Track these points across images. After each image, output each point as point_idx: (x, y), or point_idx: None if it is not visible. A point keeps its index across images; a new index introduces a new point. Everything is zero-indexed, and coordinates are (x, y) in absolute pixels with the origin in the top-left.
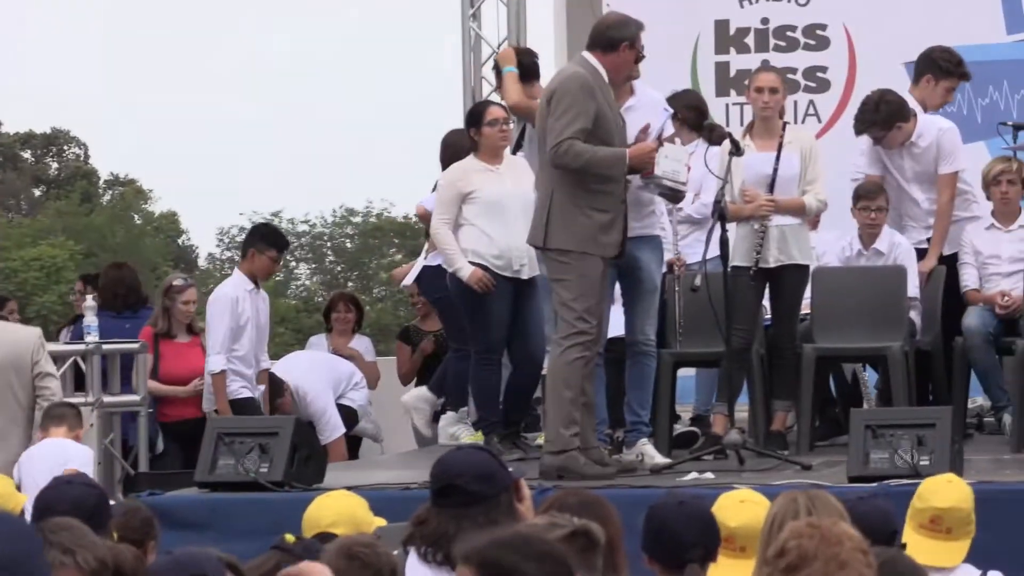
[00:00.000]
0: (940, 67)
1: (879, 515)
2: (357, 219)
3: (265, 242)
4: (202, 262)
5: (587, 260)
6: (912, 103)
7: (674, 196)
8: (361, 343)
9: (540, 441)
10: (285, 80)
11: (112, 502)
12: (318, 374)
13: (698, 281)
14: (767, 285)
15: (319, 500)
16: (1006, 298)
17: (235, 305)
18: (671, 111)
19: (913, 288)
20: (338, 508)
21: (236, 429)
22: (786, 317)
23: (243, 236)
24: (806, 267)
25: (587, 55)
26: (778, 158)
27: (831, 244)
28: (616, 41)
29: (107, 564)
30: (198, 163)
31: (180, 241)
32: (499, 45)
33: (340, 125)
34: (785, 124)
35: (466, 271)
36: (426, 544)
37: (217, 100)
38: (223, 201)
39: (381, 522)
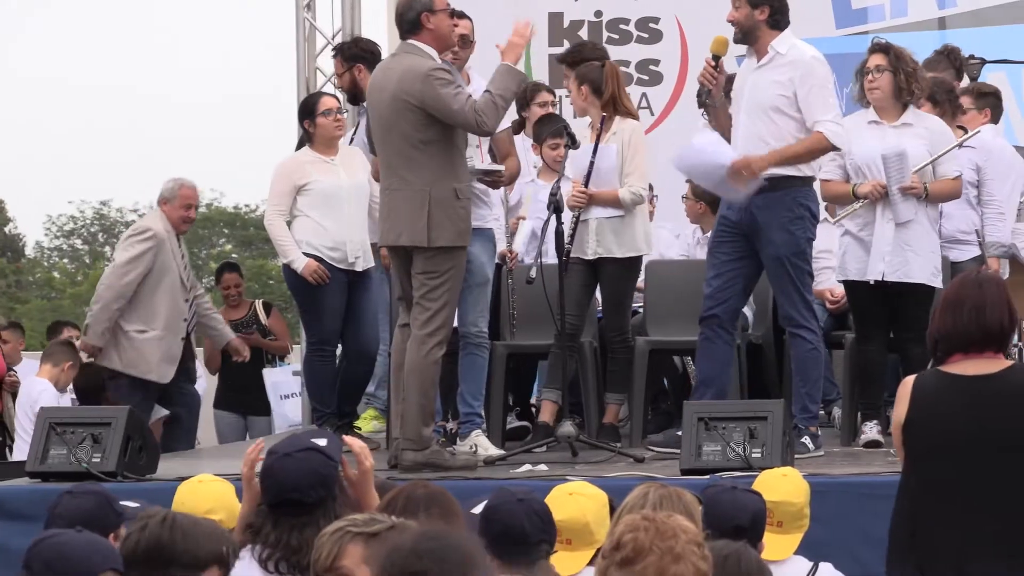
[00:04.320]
0: None
1: (731, 507)
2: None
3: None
4: (29, 251)
5: (462, 253)
6: None
7: (493, 181)
8: None
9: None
10: (112, 66)
11: None
12: None
13: (533, 273)
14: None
15: (192, 486)
16: (836, 293)
17: None
18: None
19: None
20: (215, 494)
21: (68, 419)
22: (612, 309)
23: (72, 225)
24: (629, 260)
25: (415, 43)
26: (595, 151)
27: (668, 237)
28: (416, 18)
29: None
30: (25, 151)
31: (7, 230)
32: (333, 36)
33: (171, 114)
34: (604, 117)
35: (300, 262)
36: (268, 551)
37: (43, 88)
38: (50, 189)
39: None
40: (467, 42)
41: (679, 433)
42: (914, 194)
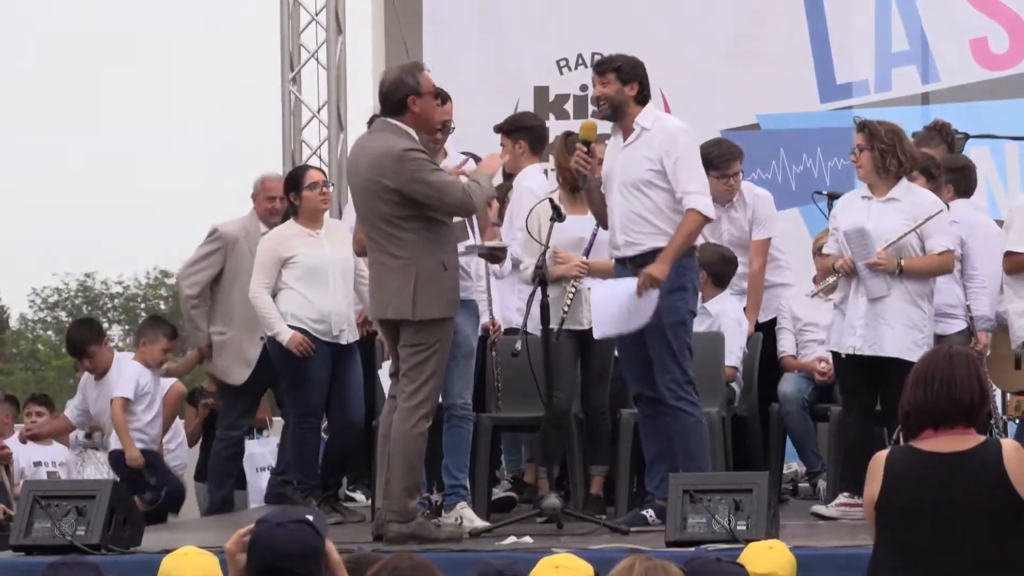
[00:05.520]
0: (710, 162)
1: None
2: (171, 281)
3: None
4: (14, 323)
5: (450, 325)
6: None
7: (495, 257)
8: None
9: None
10: (99, 142)
11: None
12: None
13: (518, 346)
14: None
15: (177, 559)
16: (823, 364)
17: None
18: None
19: (735, 358)
20: (201, 567)
21: (53, 492)
22: (597, 379)
23: (56, 297)
24: None
25: (393, 122)
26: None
27: None
28: (402, 99)
29: None
30: (9, 222)
31: None
32: (319, 109)
33: (156, 187)
34: None
35: (285, 335)
36: None
37: (27, 159)
38: (35, 260)
39: None
40: (447, 128)
41: (643, 513)
42: (882, 270)
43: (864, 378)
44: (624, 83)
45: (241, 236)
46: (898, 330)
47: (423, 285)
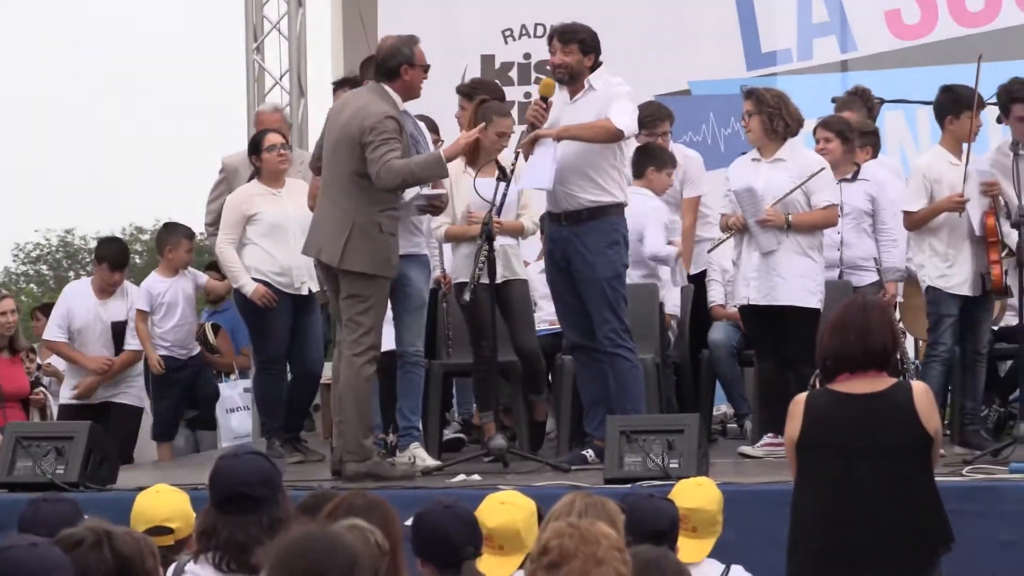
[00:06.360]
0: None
1: (652, 514)
2: (145, 236)
3: None
4: None
5: (384, 283)
6: None
7: (435, 207)
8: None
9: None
10: (77, 100)
11: None
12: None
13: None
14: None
15: (149, 495)
16: None
17: None
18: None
19: (673, 307)
20: (172, 503)
21: (34, 433)
22: (522, 326)
23: (38, 252)
24: (526, 280)
25: (383, 87)
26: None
27: None
28: (395, 68)
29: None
30: None
31: None
32: (281, 76)
33: (131, 150)
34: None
35: (249, 287)
36: (220, 553)
37: (9, 116)
38: (18, 217)
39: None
40: None
41: (583, 452)
42: (771, 225)
43: (766, 326)
44: (584, 54)
45: (241, 166)
46: (790, 280)
47: (356, 238)
